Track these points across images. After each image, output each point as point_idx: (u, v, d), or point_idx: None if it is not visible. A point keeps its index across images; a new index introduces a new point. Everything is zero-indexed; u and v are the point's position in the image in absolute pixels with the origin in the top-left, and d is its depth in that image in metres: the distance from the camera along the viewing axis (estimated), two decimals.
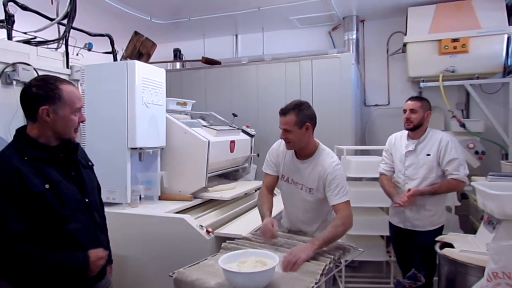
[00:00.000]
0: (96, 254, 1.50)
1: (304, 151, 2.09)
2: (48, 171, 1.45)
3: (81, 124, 1.58)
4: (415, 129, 2.61)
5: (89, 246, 1.51)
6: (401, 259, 2.79)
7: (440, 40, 4.01)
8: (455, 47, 3.95)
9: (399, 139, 2.76)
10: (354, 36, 4.74)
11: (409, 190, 2.53)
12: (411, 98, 2.70)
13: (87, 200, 1.56)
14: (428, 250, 2.49)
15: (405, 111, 2.64)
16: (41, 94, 1.44)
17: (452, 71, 4.00)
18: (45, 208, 1.40)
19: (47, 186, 1.42)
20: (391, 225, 2.80)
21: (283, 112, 2.00)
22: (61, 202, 1.44)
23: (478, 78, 4.04)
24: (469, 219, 3.63)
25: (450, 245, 2.21)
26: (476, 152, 3.89)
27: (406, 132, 2.71)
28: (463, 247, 2.12)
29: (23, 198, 1.36)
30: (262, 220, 2.03)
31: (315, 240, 1.82)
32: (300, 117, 1.98)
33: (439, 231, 2.56)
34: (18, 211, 1.36)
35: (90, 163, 1.71)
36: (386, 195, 2.72)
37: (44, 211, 1.40)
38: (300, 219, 2.18)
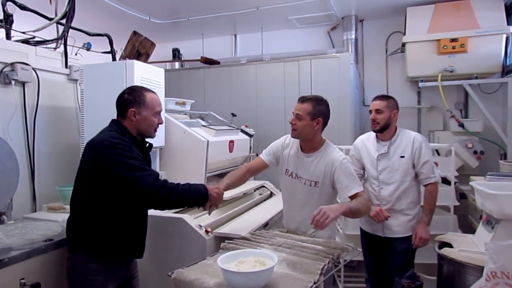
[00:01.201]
0: (213, 187, 1.93)
1: (309, 144, 2.13)
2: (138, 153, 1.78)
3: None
4: (383, 130, 2.44)
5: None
6: (377, 265, 2.60)
7: (438, 40, 4.02)
8: (453, 47, 3.96)
9: (366, 141, 2.58)
10: (353, 36, 4.75)
11: (416, 234, 2.35)
12: (376, 98, 2.51)
13: None
14: (410, 255, 2.46)
15: (370, 112, 2.48)
16: (131, 99, 1.79)
17: (451, 71, 4.01)
18: None
19: None
20: (364, 233, 2.62)
21: (302, 99, 2.08)
22: None
23: (476, 78, 4.06)
24: (467, 218, 3.64)
25: (449, 245, 2.21)
26: (475, 152, 3.90)
27: (373, 134, 2.53)
28: (462, 246, 2.13)
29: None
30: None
31: (344, 204, 1.90)
32: (315, 110, 2.04)
33: None
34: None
35: None
36: None
37: None
38: (302, 214, 2.12)
